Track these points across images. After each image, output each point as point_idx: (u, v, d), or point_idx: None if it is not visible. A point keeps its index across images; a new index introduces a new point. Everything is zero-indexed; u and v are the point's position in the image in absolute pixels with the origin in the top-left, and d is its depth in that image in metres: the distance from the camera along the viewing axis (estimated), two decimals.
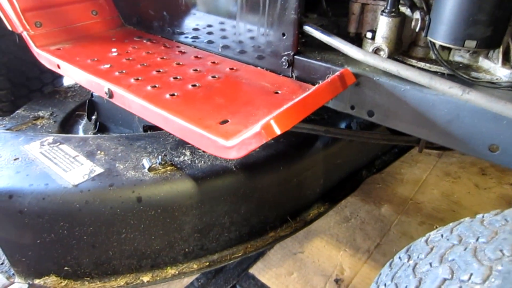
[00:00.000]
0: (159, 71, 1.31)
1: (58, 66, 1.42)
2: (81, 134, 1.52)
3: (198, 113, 1.06)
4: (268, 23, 1.26)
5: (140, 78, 1.25)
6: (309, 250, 1.38)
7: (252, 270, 1.30)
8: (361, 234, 1.46)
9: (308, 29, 1.21)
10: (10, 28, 1.53)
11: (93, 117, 1.61)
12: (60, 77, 2.02)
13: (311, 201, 1.37)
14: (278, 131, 0.85)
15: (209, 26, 1.47)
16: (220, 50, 1.44)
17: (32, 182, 1.03)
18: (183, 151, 1.20)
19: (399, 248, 1.39)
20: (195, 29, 1.53)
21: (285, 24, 1.22)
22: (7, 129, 1.52)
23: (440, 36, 0.99)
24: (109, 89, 1.22)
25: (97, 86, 1.26)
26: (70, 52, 1.48)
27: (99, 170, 1.08)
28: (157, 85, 1.21)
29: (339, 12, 1.43)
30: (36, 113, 1.65)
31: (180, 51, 1.50)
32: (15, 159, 1.13)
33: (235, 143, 0.91)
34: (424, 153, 1.92)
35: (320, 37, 1.19)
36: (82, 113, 1.70)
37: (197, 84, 1.21)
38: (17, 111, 1.67)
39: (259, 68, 1.34)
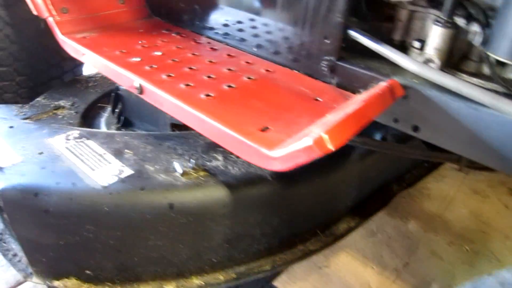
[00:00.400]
0: (191, 68, 1.25)
1: (84, 56, 1.36)
2: (103, 127, 1.46)
3: (236, 117, 1.00)
4: (309, 24, 1.20)
5: (172, 75, 1.19)
6: (334, 264, 1.32)
7: (276, 283, 1.25)
8: (388, 251, 1.41)
9: (354, 34, 1.15)
10: (35, 13, 1.47)
11: (116, 111, 1.55)
12: (80, 65, 1.96)
13: (341, 214, 1.31)
14: (331, 147, 0.79)
15: (242, 23, 1.41)
16: (253, 49, 1.38)
17: (58, 180, 0.97)
18: (215, 155, 1.14)
19: (428, 269, 1.34)
20: (227, 25, 1.46)
21: (329, 27, 1.15)
22: (26, 117, 1.46)
23: (503, 52, 0.92)
24: (140, 84, 1.16)
25: (127, 80, 1.20)
26: (97, 41, 1.41)
27: (128, 171, 1.02)
28: (190, 84, 1.14)
29: (378, 16, 1.37)
30: (56, 102, 1.59)
31: (211, 48, 1.43)
32: (39, 153, 1.07)
33: (281, 154, 0.85)
34: (450, 168, 1.86)
35: (367, 43, 1.12)
36: (104, 105, 1.64)
37: (233, 85, 1.15)
38: (37, 98, 1.61)
39: (295, 71, 1.28)
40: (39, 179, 0.97)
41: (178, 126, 1.38)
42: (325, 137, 0.79)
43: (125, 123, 1.46)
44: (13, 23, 1.63)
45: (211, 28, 1.52)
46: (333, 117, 0.88)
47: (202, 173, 1.06)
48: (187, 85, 1.14)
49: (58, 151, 1.09)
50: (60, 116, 1.50)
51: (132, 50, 1.35)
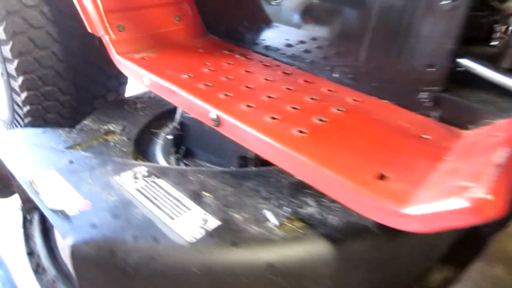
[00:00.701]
0: (270, 97, 1.11)
1: (144, 79, 1.22)
2: (161, 158, 1.32)
3: (343, 160, 0.85)
4: (409, 50, 1.05)
5: (252, 105, 1.05)
6: None
7: None
8: None
9: (465, 62, 1.00)
10: (89, 30, 1.34)
11: (169, 137, 1.41)
12: (123, 83, 1.83)
13: (437, 265, 1.15)
14: (496, 213, 0.63)
15: (319, 46, 1.27)
16: (333, 74, 1.24)
17: (136, 234, 0.83)
18: (305, 199, 0.99)
19: None
20: (295, 46, 1.32)
21: (435, 53, 1.01)
22: (76, 144, 1.32)
23: None
24: (218, 116, 1.02)
25: (200, 110, 1.06)
26: (157, 62, 1.28)
27: (214, 221, 0.88)
28: (276, 116, 1.00)
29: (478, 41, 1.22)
30: (105, 127, 1.45)
31: (283, 72, 1.29)
32: (108, 196, 0.93)
33: (419, 212, 0.70)
34: None
35: (484, 73, 0.98)
36: (156, 131, 1.51)
37: (324, 119, 1.00)
38: (84, 121, 1.48)
39: (385, 101, 1.13)
40: (114, 232, 0.83)
41: (246, 159, 1.24)
42: (490, 198, 0.63)
43: (186, 153, 1.31)
44: (61, 40, 1.51)
45: (278, 50, 1.38)
46: (476, 167, 0.73)
47: (298, 224, 0.90)
48: (273, 118, 1.00)
49: (129, 193, 0.94)
50: (111, 143, 1.37)
51: (198, 74, 1.21)
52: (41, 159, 1.06)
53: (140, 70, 1.23)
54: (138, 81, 1.26)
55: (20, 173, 1.00)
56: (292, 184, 1.06)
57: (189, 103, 1.09)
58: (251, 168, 1.13)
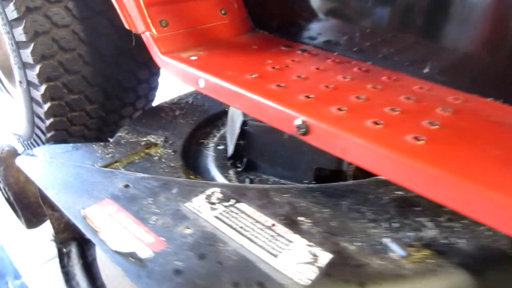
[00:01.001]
0: (359, 98, 0.93)
1: (198, 81, 1.03)
2: (216, 172, 1.13)
3: (485, 172, 0.67)
4: None
5: (342, 108, 0.86)
6: None
7: None
8: None
9: None
10: (127, 27, 1.15)
11: (220, 148, 1.23)
12: (154, 88, 1.63)
13: None
14: None
15: (400, 38, 1.09)
16: (419, 70, 1.06)
17: (236, 279, 0.64)
18: (419, 219, 0.81)
19: None
20: (370, 40, 1.14)
21: None
22: (115, 162, 1.13)
23: None
24: (304, 122, 0.83)
25: (279, 115, 0.87)
26: (211, 62, 1.09)
27: (324, 254, 0.69)
28: (378, 120, 0.82)
29: None
30: (145, 138, 1.26)
31: (359, 69, 1.11)
32: (185, 229, 0.74)
33: None
34: None
35: None
36: (203, 141, 1.32)
37: (436, 123, 0.82)
38: (119, 133, 1.29)
39: (489, 99, 0.96)
40: (206, 278, 0.64)
41: (324, 171, 1.05)
42: None
43: (248, 166, 1.13)
44: (89, 41, 1.32)
45: (344, 44, 1.20)
46: None
47: (426, 252, 0.72)
48: (375, 122, 0.81)
49: (209, 224, 0.76)
50: (155, 158, 1.18)
51: (264, 73, 1.03)
52: (86, 183, 0.87)
53: (193, 71, 1.04)
54: (190, 83, 1.08)
55: (65, 204, 0.80)
56: (395, 200, 0.88)
57: (263, 108, 0.90)
58: (339, 183, 0.94)
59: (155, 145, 1.24)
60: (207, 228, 0.74)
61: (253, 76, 1.00)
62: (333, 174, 1.05)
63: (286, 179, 1.09)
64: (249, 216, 0.78)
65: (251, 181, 1.05)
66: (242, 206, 0.81)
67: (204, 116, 1.42)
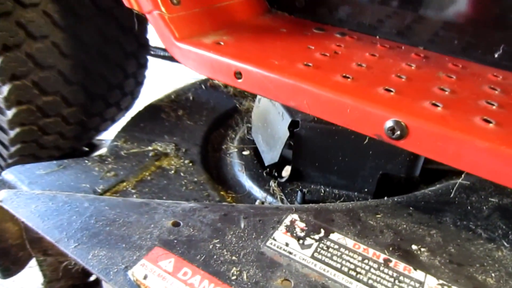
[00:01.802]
0: (444, 90, 0.76)
1: (235, 74, 0.81)
2: (252, 184, 0.92)
3: None
4: None
5: (438, 104, 0.69)
6: None
7: None
8: None
9: None
10: (127, 5, 0.89)
11: (246, 152, 1.02)
12: (140, 85, 1.36)
13: None
14: None
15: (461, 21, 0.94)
16: (488, 56, 0.92)
17: None
18: None
19: None
20: (421, 22, 0.99)
21: None
22: (121, 181, 0.89)
23: None
24: (399, 122, 0.65)
25: (364, 116, 0.68)
26: (244, 49, 0.87)
27: None
28: (489, 118, 0.66)
29: None
30: (150, 148, 1.01)
31: (416, 54, 0.95)
32: (284, 282, 0.53)
33: None
34: None
35: None
36: (224, 147, 1.09)
37: None
38: (114, 142, 1.03)
39: None
40: None
41: (389, 177, 0.89)
42: None
43: (293, 174, 0.93)
44: (66, 25, 1.02)
45: (388, 27, 1.03)
46: None
47: None
48: (486, 120, 0.66)
49: (309, 269, 0.55)
50: (171, 172, 0.94)
51: (317, 62, 0.83)
52: (106, 222, 0.62)
53: (226, 61, 0.81)
54: (219, 77, 0.85)
55: (89, 259, 0.55)
56: (495, 209, 0.73)
57: (338, 107, 0.71)
58: (421, 193, 0.78)
59: (166, 155, 1.00)
60: (311, 276, 0.54)
61: (307, 65, 0.80)
62: (399, 181, 0.89)
63: (341, 189, 0.91)
64: (352, 250, 0.59)
65: (304, 195, 0.85)
66: (337, 237, 0.62)
67: (214, 116, 1.19)
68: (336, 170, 0.88)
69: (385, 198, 0.76)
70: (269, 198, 0.89)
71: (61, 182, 0.87)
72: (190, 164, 0.97)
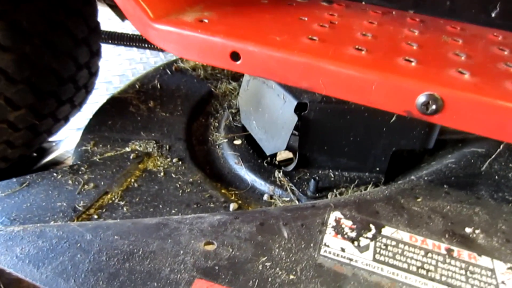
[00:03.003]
0: (458, 55, 0.72)
1: (231, 57, 0.70)
2: (253, 177, 0.84)
3: None
4: None
5: (465, 72, 0.65)
6: None
7: None
8: None
9: None
10: None
11: (238, 142, 0.92)
12: (95, 75, 1.17)
13: None
14: None
15: None
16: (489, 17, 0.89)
17: None
18: None
19: None
20: None
21: None
22: (104, 194, 0.76)
23: None
24: (433, 96, 0.60)
25: (393, 92, 0.62)
26: (234, 26, 0.75)
27: None
28: None
29: None
30: (127, 148, 0.88)
31: (412, 19, 0.89)
32: None
33: None
34: None
35: None
36: (211, 139, 0.98)
37: None
38: (82, 147, 0.88)
39: None
40: None
41: (399, 156, 0.84)
42: None
43: (300, 161, 0.85)
44: (6, 11, 0.83)
45: None
46: None
47: None
48: None
49: (379, 276, 0.48)
50: (160, 174, 0.81)
51: (319, 34, 0.74)
52: (131, 261, 0.50)
53: (220, 41, 0.69)
54: (211, 60, 0.73)
55: None
56: None
57: (361, 85, 0.63)
58: (445, 165, 0.74)
59: (149, 155, 0.87)
60: (384, 285, 0.47)
61: (313, 39, 0.71)
62: (411, 155, 0.85)
63: (352, 171, 0.84)
64: (411, 245, 0.53)
65: (317, 184, 0.78)
66: (390, 231, 0.55)
67: (190, 103, 1.06)
68: (346, 152, 0.82)
69: (413, 177, 0.71)
70: (278, 191, 0.81)
71: (29, 205, 0.71)
72: (179, 162, 0.85)
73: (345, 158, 0.83)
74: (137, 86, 1.11)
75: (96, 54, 1.13)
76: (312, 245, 0.52)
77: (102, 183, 0.77)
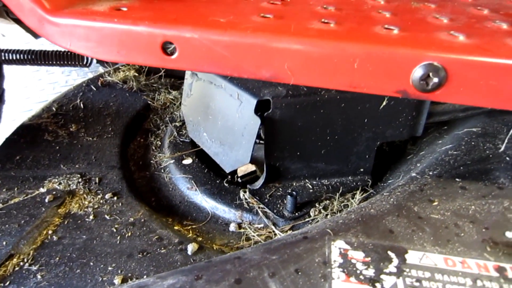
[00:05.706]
0: (438, 18, 0.59)
1: (164, 49, 0.52)
2: (215, 204, 0.66)
3: None
4: None
5: (457, 35, 0.52)
6: None
7: None
8: None
9: None
10: None
11: (188, 161, 0.75)
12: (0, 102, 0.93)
13: None
14: None
15: None
16: None
17: None
18: None
19: None
20: None
21: None
22: (10, 256, 0.55)
23: None
24: (432, 65, 0.46)
25: (384, 69, 0.47)
26: (161, 9, 0.57)
27: None
28: None
29: None
30: (41, 189, 0.68)
31: None
32: None
33: None
34: None
35: None
36: (153, 161, 0.79)
37: None
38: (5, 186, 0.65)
39: None
40: None
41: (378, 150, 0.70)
42: None
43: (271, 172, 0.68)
44: None
45: None
46: None
47: None
48: None
49: None
50: (89, 218, 0.61)
51: (272, 12, 0.58)
52: None
53: (147, 30, 0.52)
54: (138, 58, 0.55)
55: None
56: None
57: (338, 64, 0.48)
58: (445, 153, 0.61)
59: (72, 194, 0.66)
60: None
61: (266, 17, 0.55)
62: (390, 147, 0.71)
63: (332, 177, 0.69)
64: (451, 273, 0.38)
65: (296, 200, 0.62)
66: (416, 257, 0.40)
67: (122, 122, 0.86)
68: (324, 154, 0.66)
69: (413, 174, 0.56)
70: (247, 216, 0.64)
71: None
72: (114, 198, 0.65)
73: (323, 162, 0.67)
74: (53, 108, 0.89)
75: None
76: (309, 274, 0.35)
77: (5, 242, 0.56)
